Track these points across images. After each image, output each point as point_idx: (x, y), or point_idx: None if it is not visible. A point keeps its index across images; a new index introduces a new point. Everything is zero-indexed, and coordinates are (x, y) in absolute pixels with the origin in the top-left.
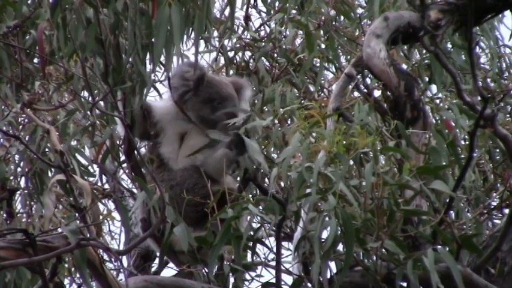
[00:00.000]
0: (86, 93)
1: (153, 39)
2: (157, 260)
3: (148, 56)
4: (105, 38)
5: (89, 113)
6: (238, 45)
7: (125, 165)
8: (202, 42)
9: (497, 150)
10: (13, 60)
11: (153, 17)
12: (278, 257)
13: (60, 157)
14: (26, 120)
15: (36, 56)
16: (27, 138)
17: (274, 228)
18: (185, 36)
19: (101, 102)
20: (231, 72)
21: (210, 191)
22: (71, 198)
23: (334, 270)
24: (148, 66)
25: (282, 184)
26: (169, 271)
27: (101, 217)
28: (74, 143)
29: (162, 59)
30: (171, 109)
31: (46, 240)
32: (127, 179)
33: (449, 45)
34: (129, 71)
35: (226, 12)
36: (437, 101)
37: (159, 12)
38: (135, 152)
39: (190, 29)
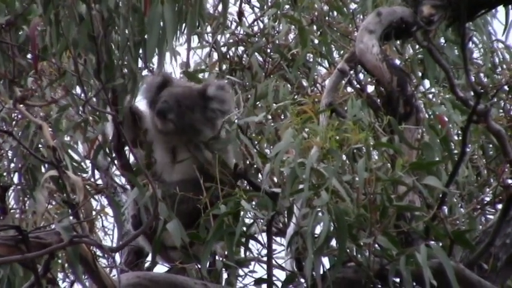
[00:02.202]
0: (78, 90)
1: (145, 36)
2: (150, 257)
3: (141, 53)
4: (98, 35)
5: (81, 109)
6: (231, 41)
7: (116, 161)
8: (195, 38)
9: (491, 146)
10: (6, 56)
11: (145, 14)
12: (270, 252)
13: (52, 153)
14: (19, 116)
15: (30, 52)
16: (20, 134)
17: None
18: (178, 32)
19: (94, 99)
20: (224, 67)
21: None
22: (64, 194)
23: (327, 265)
24: (141, 64)
25: (275, 179)
26: (162, 267)
27: (94, 213)
28: (67, 138)
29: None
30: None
31: (39, 237)
32: (120, 174)
33: (442, 41)
34: (121, 68)
35: (220, 7)
36: (430, 96)
37: (152, 9)
38: (126, 148)
39: (183, 25)
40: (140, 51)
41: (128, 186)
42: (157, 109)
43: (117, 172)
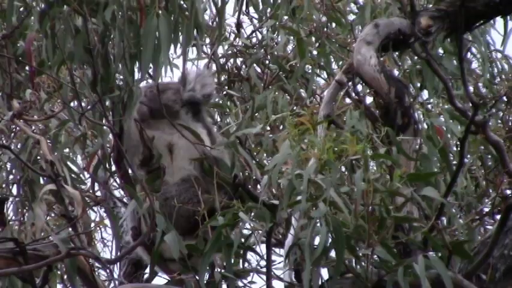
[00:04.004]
0: (76, 103)
1: (141, 48)
2: (148, 268)
3: (136, 65)
4: (93, 47)
5: (77, 121)
6: (229, 52)
7: (116, 174)
8: (194, 49)
9: (489, 156)
10: (3, 70)
11: (141, 27)
12: (268, 264)
13: (50, 167)
14: (18, 128)
15: (27, 64)
16: (19, 146)
17: (265, 235)
18: (174, 45)
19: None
20: (223, 78)
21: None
22: (62, 207)
23: (326, 277)
24: (137, 76)
25: (274, 191)
26: (161, 279)
27: (92, 225)
28: (66, 150)
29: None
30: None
31: (37, 249)
32: (118, 187)
33: (440, 51)
34: (117, 80)
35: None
36: (429, 107)
37: (147, 22)
38: (124, 160)
39: (179, 37)
40: (136, 63)
41: (127, 200)
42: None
43: (116, 185)
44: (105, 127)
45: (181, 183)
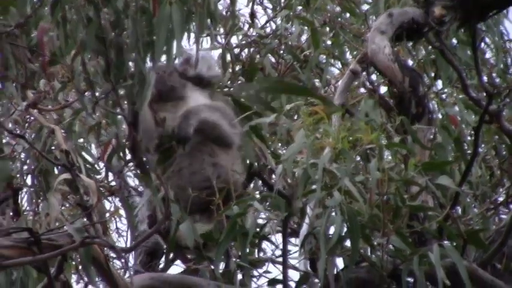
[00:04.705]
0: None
1: (154, 37)
2: (164, 258)
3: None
4: (106, 36)
5: (90, 110)
6: (244, 42)
7: (131, 163)
8: (208, 39)
9: (504, 146)
10: (18, 60)
11: (154, 15)
12: (284, 253)
13: (65, 156)
14: (32, 118)
15: (40, 54)
16: (33, 136)
17: (280, 225)
18: (187, 34)
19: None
20: (237, 68)
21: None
22: (77, 197)
23: (341, 266)
24: (150, 64)
25: (289, 180)
26: (176, 268)
27: (107, 215)
28: (80, 140)
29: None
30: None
31: (51, 239)
32: (133, 176)
33: (454, 41)
34: (130, 69)
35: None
36: (443, 96)
37: (160, 10)
38: (139, 149)
39: (192, 26)
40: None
41: (142, 188)
42: None
43: (131, 174)
44: (119, 116)
45: (191, 153)
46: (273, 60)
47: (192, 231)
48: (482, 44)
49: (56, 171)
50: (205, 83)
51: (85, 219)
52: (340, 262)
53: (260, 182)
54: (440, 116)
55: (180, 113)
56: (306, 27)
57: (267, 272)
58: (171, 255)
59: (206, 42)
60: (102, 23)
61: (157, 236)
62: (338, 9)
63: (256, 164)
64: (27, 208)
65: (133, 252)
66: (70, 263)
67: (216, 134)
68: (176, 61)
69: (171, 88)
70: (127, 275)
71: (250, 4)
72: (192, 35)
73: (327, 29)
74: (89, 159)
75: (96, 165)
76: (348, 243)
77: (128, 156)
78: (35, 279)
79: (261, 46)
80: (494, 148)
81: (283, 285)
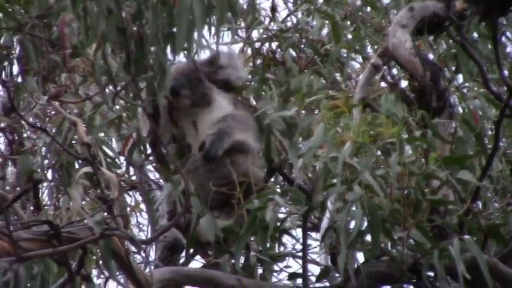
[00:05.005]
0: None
1: (174, 29)
2: (184, 253)
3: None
4: (127, 28)
5: (110, 102)
6: (264, 36)
7: (151, 157)
8: (229, 33)
9: None
10: (39, 52)
11: (174, 6)
12: (304, 248)
13: (87, 149)
14: (53, 112)
15: (62, 47)
16: (53, 131)
17: (300, 219)
18: (208, 27)
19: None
20: (258, 62)
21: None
22: (98, 191)
23: (361, 260)
24: (170, 56)
25: (309, 174)
26: (197, 263)
27: (128, 209)
28: (101, 134)
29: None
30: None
31: (71, 232)
32: (154, 170)
33: (475, 35)
34: (150, 60)
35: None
36: (464, 91)
37: (181, 2)
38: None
39: (213, 19)
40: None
41: (162, 182)
42: (170, 87)
43: (151, 168)
44: (139, 108)
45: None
46: (293, 54)
47: (212, 225)
48: (503, 38)
49: (77, 166)
50: (232, 86)
51: (106, 214)
52: (360, 256)
53: (280, 177)
54: (461, 110)
55: (207, 122)
56: (326, 21)
57: (287, 266)
58: (191, 250)
59: (227, 36)
60: (123, 14)
61: (177, 231)
62: (359, 2)
63: (276, 158)
64: (48, 202)
65: (154, 246)
66: (91, 257)
67: (241, 149)
68: (196, 57)
69: (202, 95)
70: (147, 269)
71: None
72: (213, 28)
73: (348, 22)
74: (110, 153)
75: (116, 160)
76: (368, 237)
77: (149, 150)
78: (55, 274)
79: (282, 40)
80: None
81: (303, 279)
